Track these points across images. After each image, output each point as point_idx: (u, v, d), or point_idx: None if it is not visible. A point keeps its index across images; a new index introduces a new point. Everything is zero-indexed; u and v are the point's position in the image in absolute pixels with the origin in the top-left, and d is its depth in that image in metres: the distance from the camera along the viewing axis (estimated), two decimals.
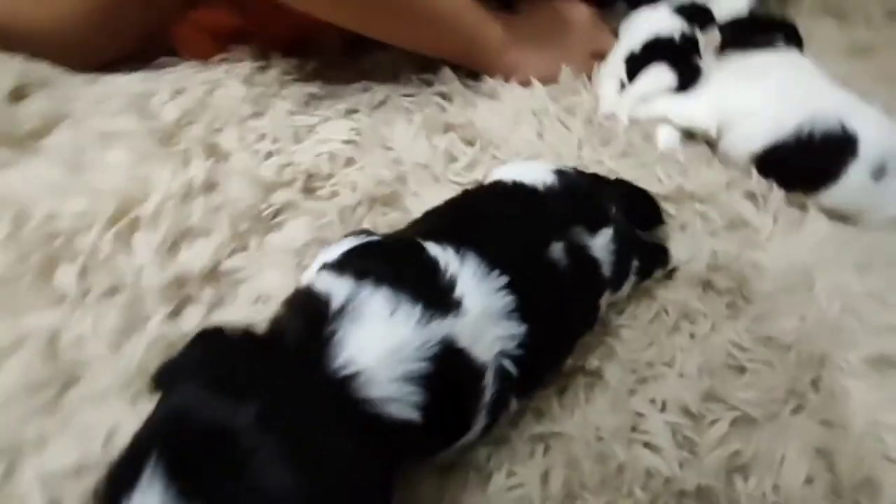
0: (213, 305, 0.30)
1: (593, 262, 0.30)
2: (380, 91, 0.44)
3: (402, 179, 0.39)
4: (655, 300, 0.35)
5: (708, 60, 0.48)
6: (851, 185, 0.41)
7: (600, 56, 0.51)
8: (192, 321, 0.30)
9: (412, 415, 0.20)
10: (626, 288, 0.34)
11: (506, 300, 0.25)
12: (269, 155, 0.38)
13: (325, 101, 0.42)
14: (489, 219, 0.29)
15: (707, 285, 0.36)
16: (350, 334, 0.20)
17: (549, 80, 0.48)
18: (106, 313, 0.28)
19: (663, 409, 0.30)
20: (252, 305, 0.31)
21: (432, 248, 0.25)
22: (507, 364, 0.25)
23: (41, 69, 0.38)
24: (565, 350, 0.30)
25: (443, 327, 0.22)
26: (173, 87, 0.40)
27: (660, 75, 0.47)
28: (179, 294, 0.30)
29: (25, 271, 0.29)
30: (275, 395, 0.18)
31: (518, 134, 0.44)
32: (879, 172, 0.41)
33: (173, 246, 0.31)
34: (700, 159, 0.46)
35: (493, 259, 0.25)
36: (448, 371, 0.22)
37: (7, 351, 0.26)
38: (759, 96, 0.45)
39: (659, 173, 0.43)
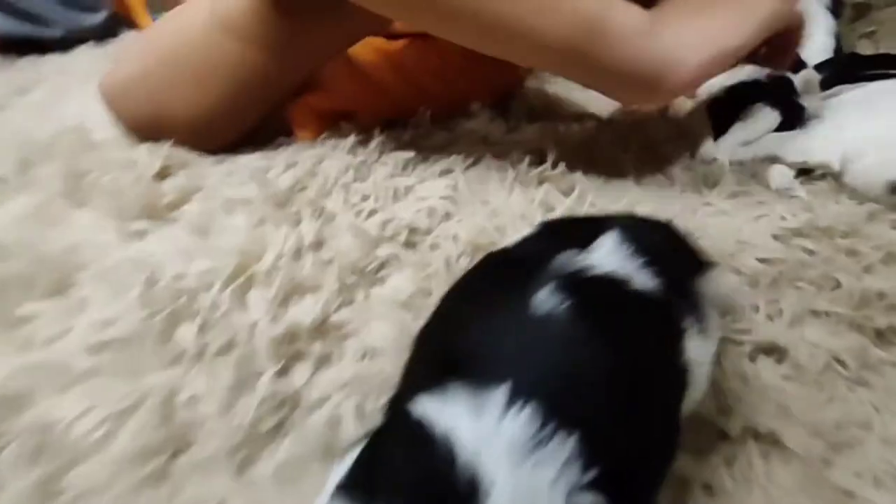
0: (322, 361, 0.27)
1: (608, 282, 0.18)
2: (471, 153, 0.42)
3: (502, 230, 0.35)
4: (819, 348, 0.27)
5: (812, 100, 0.43)
6: None
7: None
8: (301, 378, 0.26)
9: None
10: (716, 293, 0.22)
11: (526, 419, 0.15)
12: (372, 213, 0.36)
13: (420, 164, 0.41)
14: (463, 318, 0.19)
15: (883, 328, 0.28)
16: None
17: (734, 53, 0.31)
18: (220, 371, 0.26)
19: (878, 485, 0.21)
20: (359, 361, 0.27)
21: (421, 413, 0.16)
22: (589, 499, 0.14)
23: (182, 153, 0.40)
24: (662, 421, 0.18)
25: None
26: (287, 162, 0.40)
27: (762, 116, 0.41)
28: (289, 350, 0.27)
29: (151, 329, 0.27)
30: None
31: (614, 182, 0.40)
32: None
33: (284, 301, 0.29)
34: (825, 194, 0.38)
35: (488, 373, 0.16)
36: None
37: (126, 413, 0.24)
38: (886, 123, 0.38)
39: (781, 211, 0.36)
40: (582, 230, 0.21)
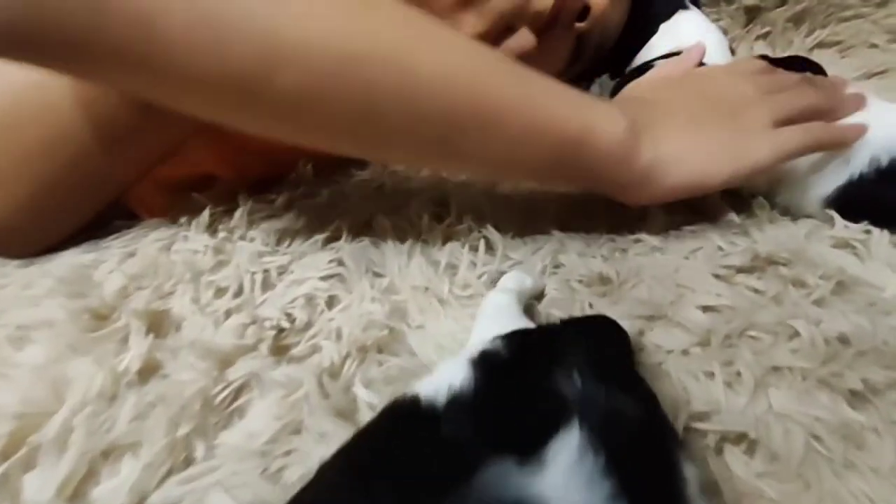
0: None
1: None
2: (362, 211, 0.35)
3: (400, 312, 0.28)
4: (792, 421, 0.22)
5: None
6: None
7: (787, 119, 0.31)
8: None
9: None
10: None
11: None
12: (230, 314, 0.27)
13: (299, 235, 0.33)
14: None
15: (857, 385, 0.23)
16: None
17: (713, 188, 0.30)
18: None
19: None
20: None
21: None
22: None
23: None
24: None
25: None
26: (123, 252, 0.31)
27: None
28: None
29: None
30: None
31: (531, 226, 0.34)
32: None
33: (82, 483, 0.20)
34: (759, 216, 0.35)
35: None
36: None
37: None
38: None
39: (717, 240, 0.32)
40: (528, 413, 0.15)
